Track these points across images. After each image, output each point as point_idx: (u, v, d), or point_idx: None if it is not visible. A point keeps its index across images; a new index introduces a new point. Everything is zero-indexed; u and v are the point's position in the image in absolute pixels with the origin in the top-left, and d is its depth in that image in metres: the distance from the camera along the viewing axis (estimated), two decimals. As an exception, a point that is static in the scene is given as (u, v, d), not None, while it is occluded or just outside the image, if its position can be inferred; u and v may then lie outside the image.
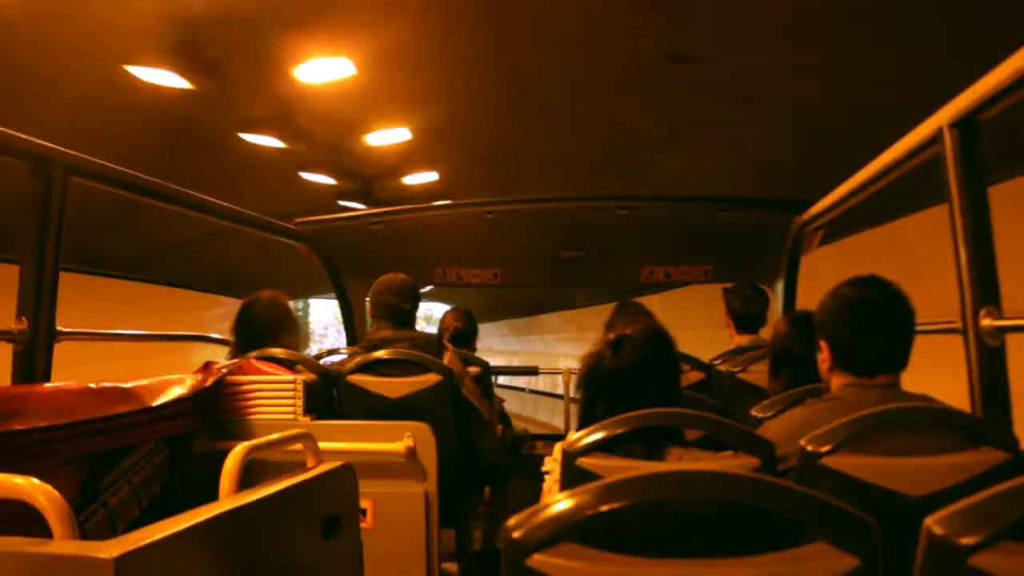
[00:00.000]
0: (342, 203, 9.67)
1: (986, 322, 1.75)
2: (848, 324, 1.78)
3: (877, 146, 2.31)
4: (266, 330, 3.01)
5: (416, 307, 3.29)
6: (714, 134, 6.55)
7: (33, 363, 2.06)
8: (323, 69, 5.89)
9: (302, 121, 6.95)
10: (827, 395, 1.85)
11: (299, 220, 3.97)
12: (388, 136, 7.59)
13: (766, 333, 3.63)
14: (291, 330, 3.10)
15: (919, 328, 1.76)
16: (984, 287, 1.77)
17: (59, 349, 2.15)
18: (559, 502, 0.96)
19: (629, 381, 1.83)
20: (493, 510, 4.06)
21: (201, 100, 6.19)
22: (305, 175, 8.69)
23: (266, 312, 3.05)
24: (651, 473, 0.97)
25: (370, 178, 8.86)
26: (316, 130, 7.23)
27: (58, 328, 2.13)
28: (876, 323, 1.76)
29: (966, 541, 0.76)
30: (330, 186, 9.17)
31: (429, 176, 9.08)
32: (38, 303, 2.06)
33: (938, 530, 0.78)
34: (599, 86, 6.09)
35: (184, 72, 5.71)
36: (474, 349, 4.27)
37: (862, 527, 0.92)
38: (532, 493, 2.07)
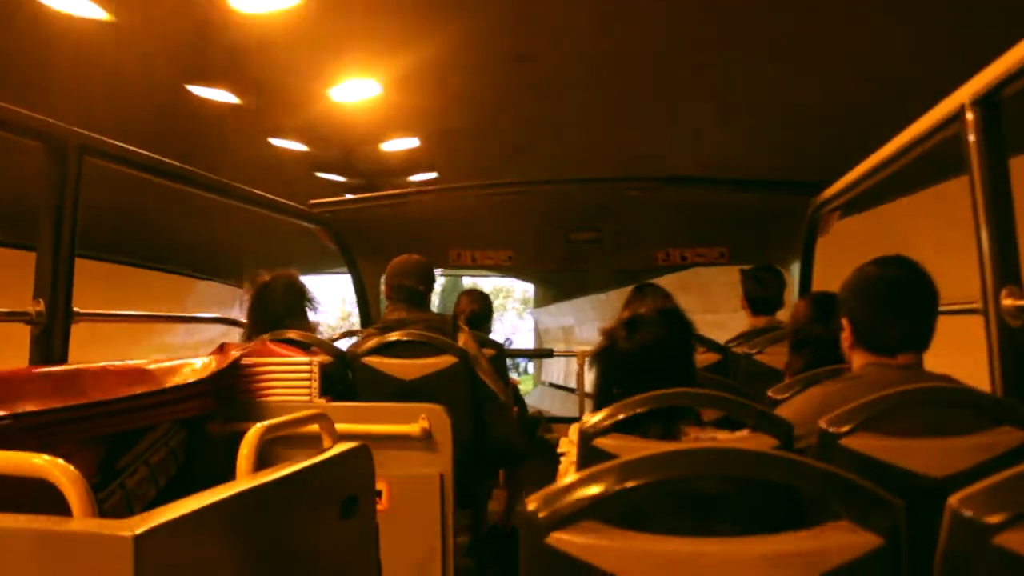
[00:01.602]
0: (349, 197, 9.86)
1: (1008, 302, 1.72)
2: (871, 302, 1.77)
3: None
4: (283, 312, 3.00)
5: (431, 288, 3.27)
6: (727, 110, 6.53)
7: (50, 344, 2.07)
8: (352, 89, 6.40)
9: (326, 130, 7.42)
10: (847, 374, 1.84)
11: (313, 202, 3.96)
12: (399, 144, 8.06)
13: (783, 315, 3.61)
14: (307, 311, 3.10)
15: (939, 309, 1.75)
16: (1005, 266, 1.75)
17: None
18: (579, 480, 0.95)
19: (643, 361, 1.81)
20: (508, 492, 4.07)
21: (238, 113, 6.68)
22: (320, 174, 9.01)
23: (282, 294, 3.04)
24: (674, 451, 0.97)
25: (373, 174, 9.05)
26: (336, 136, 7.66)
27: (75, 309, 2.14)
28: (899, 302, 1.74)
29: (991, 520, 0.75)
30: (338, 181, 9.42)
31: (429, 175, 9.39)
32: (55, 284, 2.07)
33: (962, 508, 0.77)
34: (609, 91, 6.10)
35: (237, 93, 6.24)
36: (489, 331, 4.27)
37: (886, 506, 0.91)
38: (547, 475, 2.06)
